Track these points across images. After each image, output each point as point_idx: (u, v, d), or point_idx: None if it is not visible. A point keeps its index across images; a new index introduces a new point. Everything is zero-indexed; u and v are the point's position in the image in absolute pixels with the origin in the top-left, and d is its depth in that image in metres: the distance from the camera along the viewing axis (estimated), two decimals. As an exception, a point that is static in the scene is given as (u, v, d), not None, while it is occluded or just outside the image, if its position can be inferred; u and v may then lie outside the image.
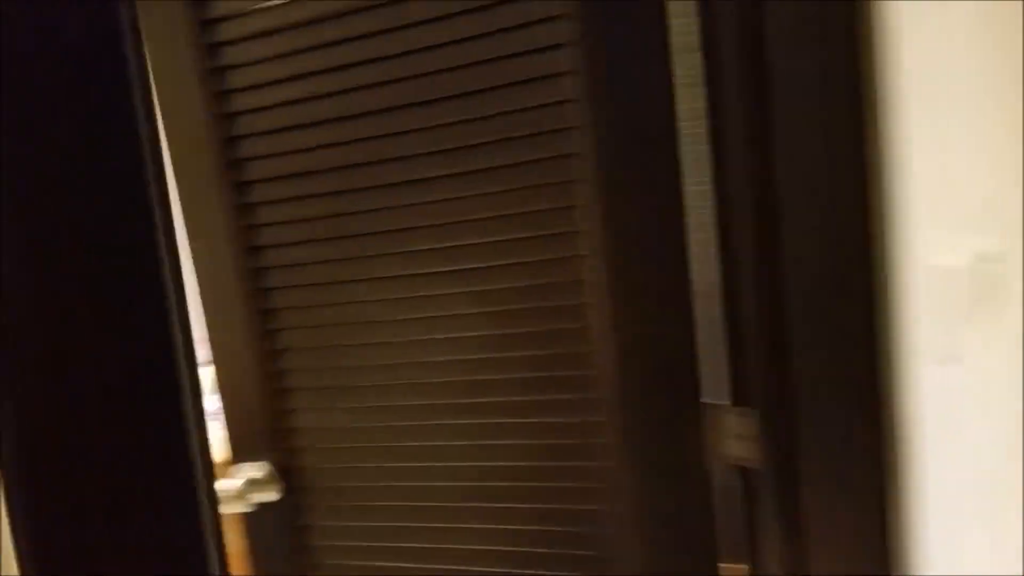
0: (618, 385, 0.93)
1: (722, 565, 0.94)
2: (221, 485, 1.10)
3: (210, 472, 0.40)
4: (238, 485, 1.10)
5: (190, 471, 0.39)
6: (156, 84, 1.08)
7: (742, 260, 0.86)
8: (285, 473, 1.12)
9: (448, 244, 0.99)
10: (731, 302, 0.88)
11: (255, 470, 1.12)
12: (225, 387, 1.13)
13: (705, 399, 0.91)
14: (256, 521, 1.17)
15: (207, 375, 1.14)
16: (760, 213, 0.84)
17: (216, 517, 0.41)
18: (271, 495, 1.12)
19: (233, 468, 1.14)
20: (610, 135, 0.88)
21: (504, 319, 0.98)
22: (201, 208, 1.09)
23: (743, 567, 0.93)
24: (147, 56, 1.06)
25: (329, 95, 1.01)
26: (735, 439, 0.90)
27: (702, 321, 0.90)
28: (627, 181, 0.89)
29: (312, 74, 1.01)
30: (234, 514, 1.14)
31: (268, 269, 1.09)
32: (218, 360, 1.13)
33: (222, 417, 1.14)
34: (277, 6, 1.00)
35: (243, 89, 1.05)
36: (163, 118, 1.09)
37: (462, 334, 1.00)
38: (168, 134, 1.09)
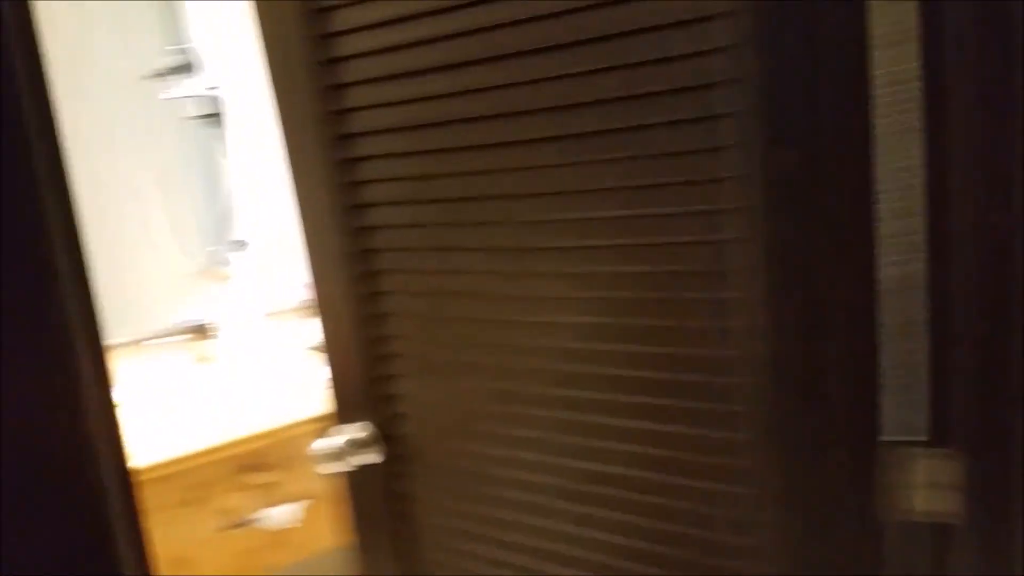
0: (765, 400, 0.79)
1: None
2: (324, 442, 1.12)
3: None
4: (339, 443, 1.11)
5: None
6: (260, 23, 1.04)
7: (954, 255, 0.68)
8: (386, 438, 1.12)
9: (572, 216, 0.88)
10: (936, 309, 0.70)
11: (357, 430, 1.13)
12: (330, 343, 1.13)
13: (893, 436, 0.74)
14: (358, 482, 1.18)
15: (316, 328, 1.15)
16: (988, 195, 0.66)
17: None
18: (372, 457, 1.13)
19: (336, 426, 1.16)
20: (773, 89, 0.72)
21: (632, 308, 0.87)
22: (305, 159, 1.06)
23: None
24: None
25: (442, 39, 0.91)
26: (927, 487, 0.73)
27: (891, 331, 0.72)
28: (793, 148, 0.72)
29: (423, 15, 0.91)
30: (337, 473, 1.15)
31: (373, 229, 1.04)
32: (324, 315, 1.11)
33: (328, 373, 1.16)
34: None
35: (348, 31, 0.97)
36: (267, 61, 1.05)
37: (581, 319, 0.91)
38: (273, 78, 1.06)
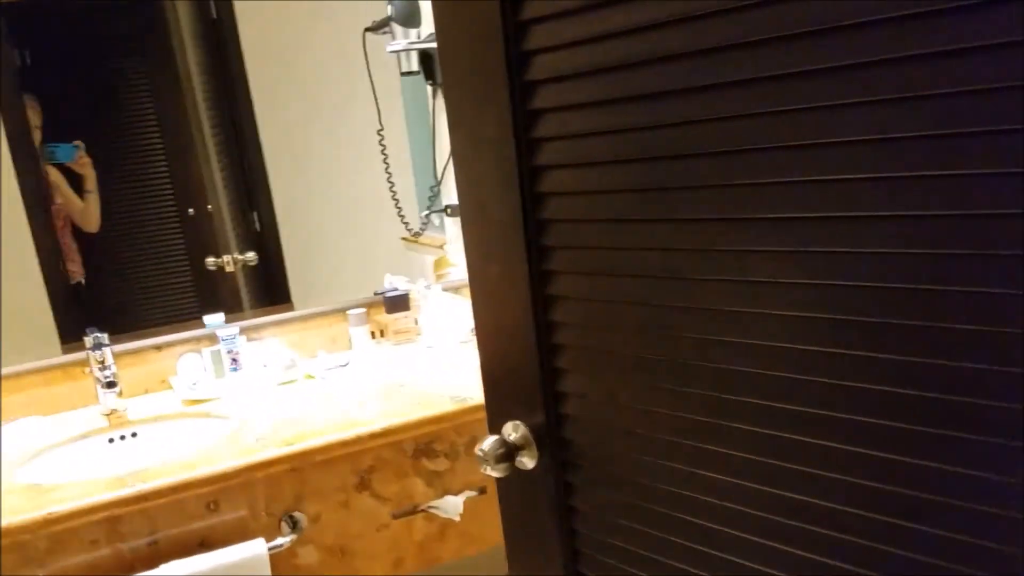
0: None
1: None
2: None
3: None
4: (489, 445, 0.95)
5: None
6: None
7: None
8: (545, 441, 0.94)
9: (802, 177, 0.67)
10: None
11: (511, 431, 0.96)
12: (484, 330, 0.97)
13: None
14: (512, 487, 1.01)
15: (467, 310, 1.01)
16: None
17: None
18: (526, 462, 0.96)
19: (488, 426, 1.00)
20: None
21: (881, 301, 0.64)
22: (471, 108, 0.91)
23: None
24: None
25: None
26: None
27: None
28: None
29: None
30: (490, 476, 0.99)
31: (545, 196, 0.87)
32: (479, 295, 0.96)
33: (480, 362, 0.99)
34: None
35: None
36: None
37: (805, 313, 0.69)
38: (438, 18, 0.92)
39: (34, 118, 1.94)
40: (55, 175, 1.96)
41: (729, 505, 0.80)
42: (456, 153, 0.95)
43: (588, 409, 0.91)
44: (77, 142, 1.97)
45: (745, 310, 0.73)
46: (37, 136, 1.94)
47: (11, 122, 1.86)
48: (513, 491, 1.01)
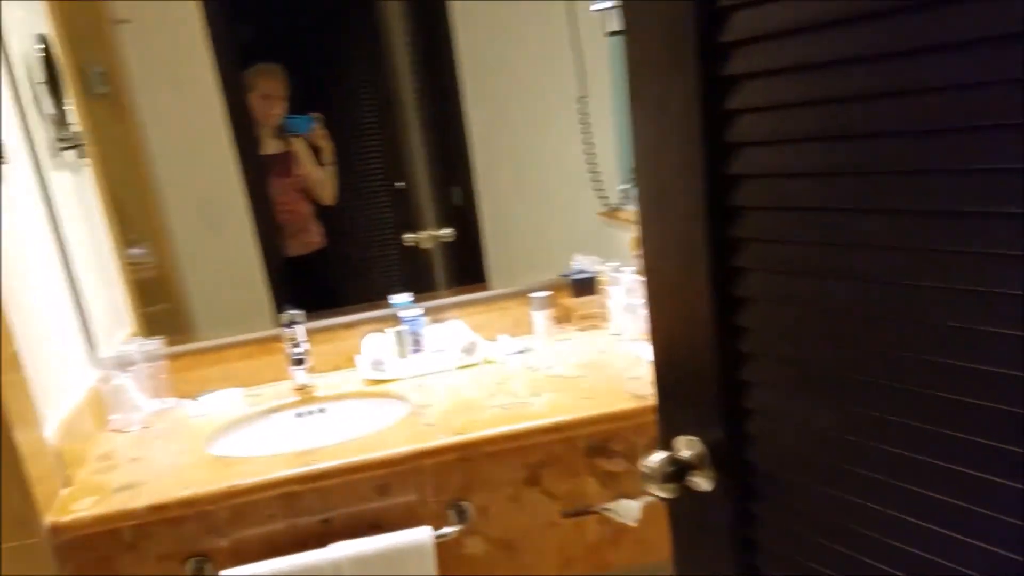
0: None
1: None
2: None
3: None
4: (657, 462, 0.83)
5: None
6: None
7: None
8: (723, 462, 0.82)
9: None
10: None
11: (685, 447, 0.84)
12: (659, 330, 0.85)
13: None
14: (682, 510, 0.90)
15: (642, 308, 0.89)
16: None
17: None
18: (701, 483, 0.83)
19: (659, 439, 0.88)
20: None
21: None
22: (653, 74, 0.80)
23: None
24: None
25: None
26: None
27: None
28: None
29: None
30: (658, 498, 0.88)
31: (738, 179, 0.74)
32: (655, 292, 0.84)
33: (653, 368, 0.88)
34: None
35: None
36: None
37: None
38: None
39: (279, 88, 2.00)
40: (299, 146, 2.03)
41: (945, 563, 0.64)
42: (634, 126, 0.83)
43: (777, 430, 0.78)
44: (314, 114, 2.02)
45: (979, 328, 0.58)
46: (283, 107, 2.01)
47: (230, 96, 1.92)
48: (684, 514, 0.90)
